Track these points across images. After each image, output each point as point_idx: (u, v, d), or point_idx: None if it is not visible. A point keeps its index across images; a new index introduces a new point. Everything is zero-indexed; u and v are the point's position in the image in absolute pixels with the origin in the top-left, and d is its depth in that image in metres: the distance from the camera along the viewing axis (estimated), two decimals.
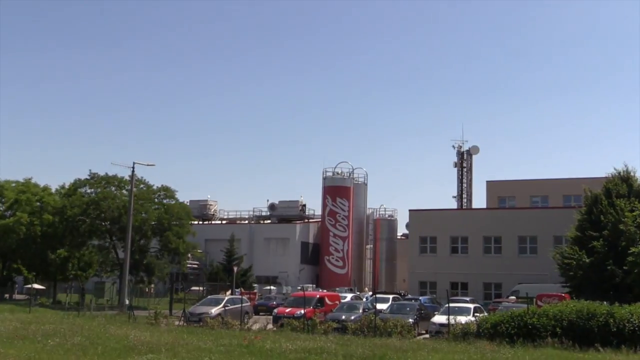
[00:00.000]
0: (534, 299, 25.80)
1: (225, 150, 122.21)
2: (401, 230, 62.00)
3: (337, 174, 56.93)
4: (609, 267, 28.46)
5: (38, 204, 42.19)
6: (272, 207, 58.84)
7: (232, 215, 61.91)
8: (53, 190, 44.86)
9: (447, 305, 22.45)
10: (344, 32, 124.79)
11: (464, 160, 59.35)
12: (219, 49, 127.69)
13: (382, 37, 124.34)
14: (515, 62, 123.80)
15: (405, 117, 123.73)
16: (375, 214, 60.28)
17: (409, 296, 38.05)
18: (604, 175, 33.81)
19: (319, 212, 58.32)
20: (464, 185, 59.39)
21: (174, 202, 41.33)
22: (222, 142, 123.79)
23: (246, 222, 59.61)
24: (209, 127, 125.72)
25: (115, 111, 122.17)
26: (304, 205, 58.85)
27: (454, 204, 58.61)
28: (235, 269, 42.26)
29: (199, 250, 46.16)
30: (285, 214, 58.23)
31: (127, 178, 38.64)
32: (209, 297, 30.34)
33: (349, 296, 34.20)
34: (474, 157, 59.67)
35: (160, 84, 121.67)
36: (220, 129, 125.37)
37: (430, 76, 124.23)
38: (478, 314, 22.60)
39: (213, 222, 60.87)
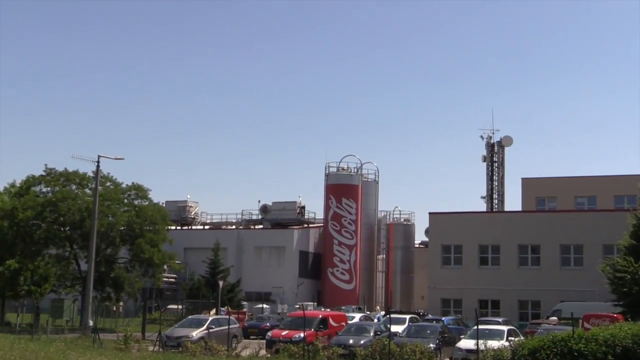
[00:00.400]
0: (580, 321, 25.89)
1: (208, 142, 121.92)
2: (419, 237, 62.26)
3: (343, 169, 56.89)
4: None
5: None
6: (264, 209, 58.65)
7: (216, 219, 61.83)
8: (1, 189, 44.74)
9: (475, 327, 22.44)
10: (354, 7, 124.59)
11: (494, 154, 59.30)
12: (203, 36, 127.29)
13: (393, 14, 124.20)
14: (555, 38, 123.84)
15: (423, 102, 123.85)
16: (388, 217, 60.33)
17: (430, 316, 38.27)
18: None
19: (320, 215, 58.42)
20: (495, 183, 59.39)
21: (147, 203, 41.49)
22: (204, 134, 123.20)
23: (233, 227, 59.43)
24: (188, 116, 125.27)
25: (77, 99, 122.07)
26: (303, 207, 58.57)
27: (482, 206, 58.83)
28: (220, 283, 42.51)
29: (177, 261, 46.68)
30: (281, 218, 58.09)
31: (91, 174, 38.69)
32: (189, 317, 30.56)
33: (357, 316, 34.39)
34: (506, 149, 59.62)
35: (129, 70, 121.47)
36: (202, 118, 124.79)
37: (452, 53, 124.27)
38: (512, 338, 22.70)
39: (194, 227, 60.73)
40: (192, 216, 60.95)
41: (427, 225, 53.63)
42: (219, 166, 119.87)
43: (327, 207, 56.02)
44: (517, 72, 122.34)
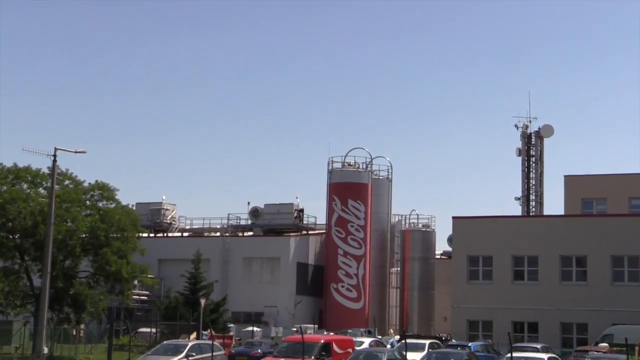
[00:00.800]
0: (636, 348, 26.20)
1: (187, 136, 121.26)
2: (441, 246, 62.07)
3: (349, 165, 57.00)
4: None
5: None
6: (254, 212, 58.52)
7: (197, 224, 61.81)
8: None
9: (508, 355, 22.47)
10: None
11: (531, 147, 59.20)
12: (187, 18, 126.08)
13: None
14: (604, 14, 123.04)
15: (444, 85, 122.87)
16: (403, 222, 60.30)
17: (454, 342, 38.40)
18: None
19: (322, 220, 58.54)
20: (532, 181, 59.29)
21: (113, 205, 41.49)
22: (183, 126, 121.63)
23: (218, 234, 59.28)
24: (163, 106, 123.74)
25: (31, 84, 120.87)
26: (301, 211, 58.47)
27: (517, 209, 58.67)
28: (202, 301, 42.42)
29: (149, 275, 46.66)
30: (274, 223, 58.06)
31: (46, 171, 38.70)
32: (165, 342, 30.55)
33: (366, 341, 34.43)
34: (545, 141, 59.52)
35: (91, 51, 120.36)
36: (180, 109, 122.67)
37: (480, 28, 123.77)
38: None
39: (170, 234, 61.01)
40: (168, 221, 60.84)
41: (450, 232, 53.54)
42: (201, 163, 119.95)
43: (330, 211, 56.07)
44: (559, 51, 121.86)
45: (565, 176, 54.56)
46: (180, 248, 56.57)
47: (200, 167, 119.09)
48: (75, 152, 33.17)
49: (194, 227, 61.87)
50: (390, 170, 59.34)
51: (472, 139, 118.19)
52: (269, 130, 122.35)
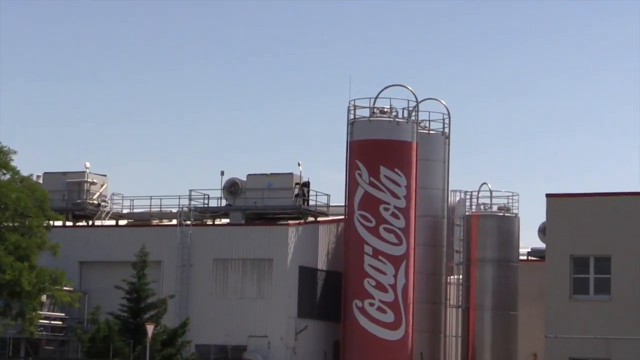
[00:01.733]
0: None
1: (126, 71, 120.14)
2: (529, 240, 62.01)
3: (382, 112, 56.83)
4: None
5: None
6: (232, 188, 57.82)
7: (141, 207, 61.35)
8: None
9: None
10: None
11: None
12: None
13: None
14: None
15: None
16: (468, 203, 60.00)
17: None
18: None
19: (338, 199, 58.55)
20: None
21: (7, 177, 42.86)
22: (118, 58, 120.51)
23: (173, 222, 58.99)
24: (91, 32, 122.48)
25: None
26: (306, 185, 58.55)
27: None
28: (149, 329, 42.97)
29: (66, 288, 47.01)
30: (264, 205, 57.72)
31: None
32: None
33: None
34: None
35: None
36: (116, 34, 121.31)
37: None
38: None
39: (99, 223, 60.69)
40: (96, 201, 60.63)
41: (542, 218, 53.80)
42: (148, 114, 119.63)
43: (351, 185, 56.27)
44: None
45: None
46: (114, 245, 56.90)
47: (146, 120, 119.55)
48: None
49: (135, 211, 61.36)
50: (447, 121, 58.83)
51: (571, 79, 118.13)
52: (250, 61, 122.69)
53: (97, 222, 60.57)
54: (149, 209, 61.05)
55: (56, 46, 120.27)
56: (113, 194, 61.82)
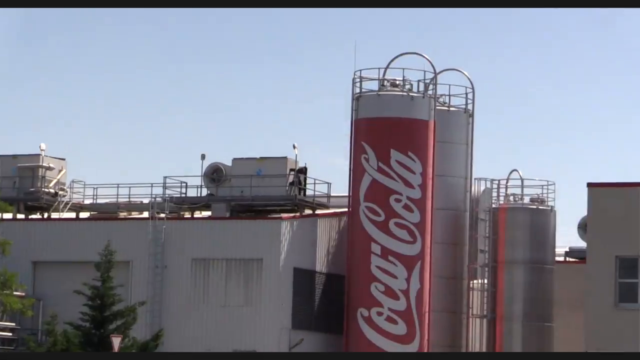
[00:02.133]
0: None
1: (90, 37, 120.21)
2: (566, 238, 62.75)
3: (392, 84, 56.46)
4: None
5: None
6: (215, 174, 58.08)
7: (105, 196, 60.91)
8: None
9: None
10: None
11: None
12: None
13: None
14: None
15: None
16: (495, 194, 59.93)
17: None
18: None
19: (340, 188, 58.35)
20: None
21: None
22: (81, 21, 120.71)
23: (145, 215, 58.78)
24: None
25: None
26: (302, 172, 58.29)
27: None
28: (115, 342, 43.52)
29: (17, 293, 48.21)
30: (253, 195, 57.34)
31: None
32: None
33: None
34: None
35: None
36: None
37: None
38: None
39: (56, 215, 60.17)
40: (52, 190, 60.31)
41: (583, 212, 54.74)
42: (114, 89, 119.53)
43: (356, 172, 55.97)
44: None
45: None
46: (74, 242, 56.88)
47: (113, 94, 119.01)
48: None
49: (99, 202, 61.05)
50: (470, 97, 58.42)
51: (620, 49, 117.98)
52: (236, 22, 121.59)
53: (54, 215, 60.06)
54: (115, 200, 60.66)
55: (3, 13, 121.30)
56: (73, 182, 61.57)
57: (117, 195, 60.85)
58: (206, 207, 59.40)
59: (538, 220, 59.10)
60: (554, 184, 60.04)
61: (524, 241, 58.55)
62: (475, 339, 58.98)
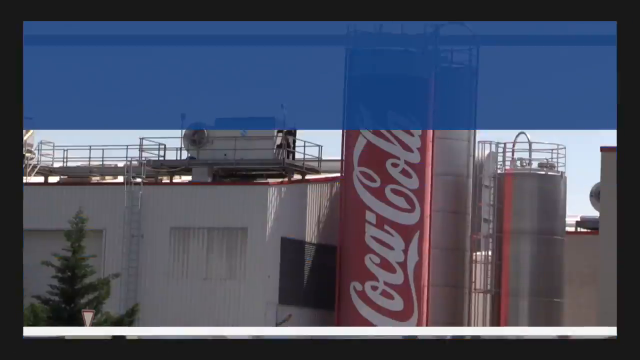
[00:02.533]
0: None
1: None
2: (577, 207, 62.41)
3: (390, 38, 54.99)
4: None
5: None
6: (194, 136, 57.12)
7: (76, 158, 60.36)
8: None
9: None
10: None
11: None
12: None
13: None
14: None
15: None
16: (500, 158, 59.30)
17: None
18: None
19: (332, 152, 57.86)
20: None
21: None
22: None
23: (119, 179, 58.60)
24: None
25: None
26: (291, 134, 57.49)
27: None
28: (87, 317, 43.20)
29: None
30: (237, 158, 56.87)
31: None
32: None
33: None
34: None
35: None
36: None
37: None
38: None
39: (25, 180, 59.21)
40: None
41: (596, 179, 55.53)
42: (87, 37, 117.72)
43: (349, 134, 55.99)
44: None
45: None
46: (42, 208, 56.50)
47: (83, 43, 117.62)
48: None
49: (70, 165, 60.48)
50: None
51: None
52: None
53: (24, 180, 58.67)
54: (87, 163, 60.19)
55: None
56: (41, 143, 61.24)
57: (90, 158, 60.37)
58: (186, 172, 58.81)
59: (547, 187, 58.53)
60: (565, 147, 59.31)
61: (532, 210, 58.02)
62: (478, 315, 58.63)
